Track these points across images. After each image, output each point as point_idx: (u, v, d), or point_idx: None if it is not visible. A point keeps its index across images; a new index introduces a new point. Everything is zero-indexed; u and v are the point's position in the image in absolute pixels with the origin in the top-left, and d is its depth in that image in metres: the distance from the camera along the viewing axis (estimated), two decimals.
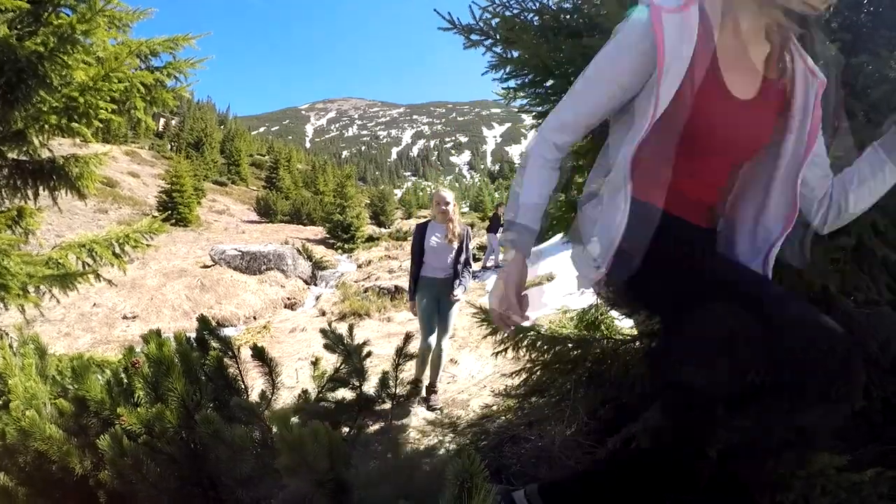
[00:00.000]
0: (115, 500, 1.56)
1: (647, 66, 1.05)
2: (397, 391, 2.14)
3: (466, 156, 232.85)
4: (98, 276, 3.91)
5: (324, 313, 10.06)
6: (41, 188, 3.73)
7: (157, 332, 1.76)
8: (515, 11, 2.15)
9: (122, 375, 1.87)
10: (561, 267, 10.38)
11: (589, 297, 5.22)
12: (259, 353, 1.94)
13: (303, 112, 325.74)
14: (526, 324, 1.54)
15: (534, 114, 2.40)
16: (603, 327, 4.67)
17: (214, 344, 2.01)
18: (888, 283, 1.60)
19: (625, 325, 4.96)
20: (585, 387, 2.62)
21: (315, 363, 2.16)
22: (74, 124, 3.17)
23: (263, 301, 11.87)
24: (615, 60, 1.10)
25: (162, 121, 49.90)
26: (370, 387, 2.13)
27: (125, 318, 9.94)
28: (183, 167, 22.93)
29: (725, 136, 1.12)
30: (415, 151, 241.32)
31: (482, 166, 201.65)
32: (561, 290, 8.26)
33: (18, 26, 2.94)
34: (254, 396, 1.92)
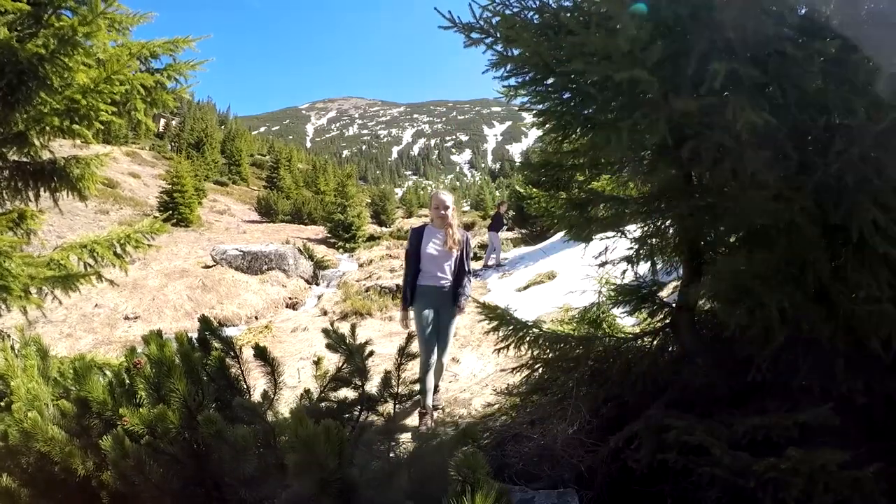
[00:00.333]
0: (118, 501, 1.56)
1: None
2: (399, 390, 2.14)
3: (467, 154, 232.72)
4: (100, 277, 3.91)
5: (325, 313, 10.06)
6: (42, 189, 3.73)
7: (159, 333, 1.77)
8: (515, 10, 2.15)
9: (124, 376, 1.88)
10: (562, 265, 10.38)
11: (590, 296, 5.21)
12: (261, 353, 1.94)
13: (303, 112, 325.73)
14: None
15: (534, 112, 2.40)
16: (605, 325, 4.67)
17: (216, 344, 2.01)
18: (889, 279, 1.60)
19: (627, 323, 4.97)
20: (587, 385, 2.62)
21: (317, 363, 2.16)
22: (76, 126, 3.17)
23: (265, 301, 11.88)
24: None
25: (162, 121, 49.92)
26: (372, 386, 2.14)
27: (127, 318, 9.95)
28: (184, 167, 22.93)
29: None
30: (415, 150, 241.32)
31: (483, 165, 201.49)
32: (562, 289, 8.26)
33: (19, 28, 2.94)
34: (256, 396, 1.93)
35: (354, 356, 2.05)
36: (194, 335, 2.10)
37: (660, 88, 1.62)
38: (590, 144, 2.35)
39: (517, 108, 2.53)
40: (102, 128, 3.32)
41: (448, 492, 0.77)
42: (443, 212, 3.92)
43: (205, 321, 2.11)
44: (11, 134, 3.25)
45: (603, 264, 2.85)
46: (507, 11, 2.14)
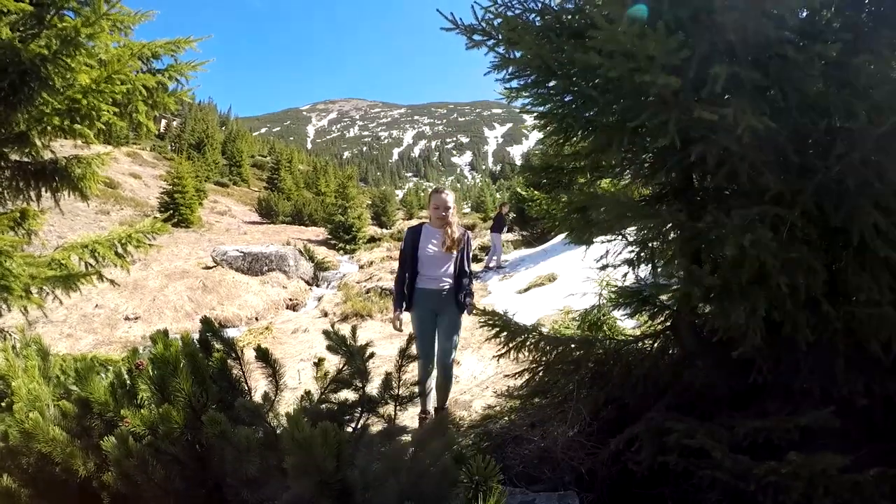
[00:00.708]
0: (119, 502, 1.56)
1: None
2: (400, 392, 2.14)
3: (468, 156, 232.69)
4: (101, 277, 3.91)
5: (326, 314, 10.06)
6: (44, 189, 3.74)
7: (165, 333, 1.77)
8: (518, 12, 2.16)
9: (126, 377, 1.88)
10: (563, 267, 10.38)
11: (591, 298, 5.21)
12: (262, 355, 1.94)
13: (304, 113, 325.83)
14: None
15: (535, 114, 2.41)
16: (605, 328, 4.67)
17: (218, 345, 2.01)
18: (890, 283, 1.60)
19: (627, 325, 4.97)
20: (588, 387, 2.62)
21: (318, 364, 2.16)
22: (77, 126, 3.18)
23: (265, 302, 11.88)
24: None
25: (163, 122, 49.96)
26: (373, 388, 2.13)
27: (127, 319, 9.95)
28: (184, 168, 22.95)
29: None
30: (416, 152, 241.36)
31: (484, 167, 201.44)
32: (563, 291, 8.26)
33: (21, 28, 2.95)
34: (257, 398, 1.93)
35: (355, 358, 2.04)
36: (196, 336, 2.10)
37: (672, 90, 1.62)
38: (591, 147, 2.36)
39: (518, 111, 2.54)
40: (104, 128, 3.33)
41: (450, 496, 0.77)
42: (443, 212, 3.64)
43: (206, 322, 2.11)
44: (13, 134, 3.25)
45: (604, 267, 2.85)
46: (510, 13, 2.15)
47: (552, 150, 2.67)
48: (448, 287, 3.66)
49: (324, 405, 2.04)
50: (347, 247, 21.20)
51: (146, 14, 3.54)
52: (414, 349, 2.23)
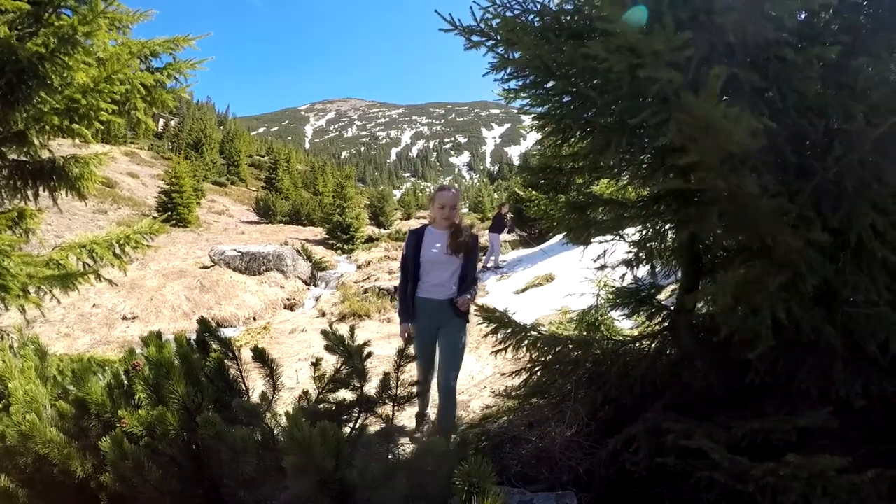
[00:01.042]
0: (116, 503, 1.56)
1: None
2: (398, 392, 2.14)
3: (466, 156, 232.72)
4: (98, 276, 3.90)
5: (324, 314, 10.04)
6: (41, 188, 3.73)
7: (158, 335, 1.77)
8: (516, 12, 2.16)
9: (123, 378, 1.87)
10: (561, 268, 10.39)
11: (589, 299, 5.21)
12: (260, 355, 1.94)
13: (302, 113, 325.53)
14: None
15: (534, 115, 2.41)
16: (603, 328, 4.68)
17: (215, 345, 2.01)
18: (887, 283, 1.61)
19: (625, 325, 4.98)
20: (586, 387, 2.62)
21: (316, 364, 2.16)
22: (75, 125, 3.17)
23: (263, 302, 11.86)
24: None
25: (161, 121, 49.82)
26: (371, 388, 2.13)
27: (125, 318, 9.93)
28: (182, 168, 22.89)
29: None
30: (414, 152, 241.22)
31: (482, 167, 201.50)
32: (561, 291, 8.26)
33: (19, 27, 2.94)
34: (254, 398, 1.92)
35: (353, 358, 2.04)
36: (193, 336, 2.10)
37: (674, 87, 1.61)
38: (589, 148, 2.36)
39: (516, 111, 2.54)
40: (102, 127, 3.32)
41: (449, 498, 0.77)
42: (448, 212, 3.29)
43: (203, 322, 2.10)
44: (11, 133, 3.24)
45: (602, 267, 2.85)
46: (508, 14, 2.14)
47: (550, 151, 2.67)
48: (452, 296, 3.28)
49: (322, 405, 2.04)
50: (345, 247, 21.17)
51: (145, 13, 3.53)
52: (412, 349, 2.24)
